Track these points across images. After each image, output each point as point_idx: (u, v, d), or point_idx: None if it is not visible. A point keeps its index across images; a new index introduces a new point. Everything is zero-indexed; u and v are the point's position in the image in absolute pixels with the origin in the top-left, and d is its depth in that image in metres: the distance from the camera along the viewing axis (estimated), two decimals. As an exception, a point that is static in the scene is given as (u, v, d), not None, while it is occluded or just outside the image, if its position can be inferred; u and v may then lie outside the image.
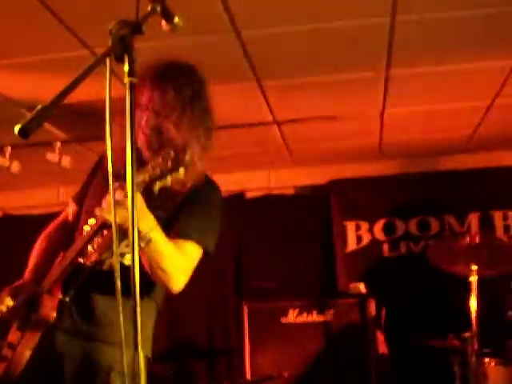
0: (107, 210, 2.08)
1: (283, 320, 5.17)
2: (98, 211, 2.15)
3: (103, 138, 1.54)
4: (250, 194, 6.61)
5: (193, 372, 6.04)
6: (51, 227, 2.77)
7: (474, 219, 6.13)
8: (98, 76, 1.53)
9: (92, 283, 2.30)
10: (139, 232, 2.05)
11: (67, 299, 2.30)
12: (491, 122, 5.34)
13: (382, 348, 5.25)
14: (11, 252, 5.19)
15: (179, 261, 2.26)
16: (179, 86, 2.34)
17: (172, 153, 2.02)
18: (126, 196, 1.94)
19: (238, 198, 6.50)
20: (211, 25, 3.48)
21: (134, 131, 1.56)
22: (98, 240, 2.22)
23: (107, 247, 2.20)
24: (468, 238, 4.44)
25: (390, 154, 6.22)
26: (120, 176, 1.64)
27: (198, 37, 3.56)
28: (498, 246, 4.56)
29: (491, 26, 3.62)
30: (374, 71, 4.26)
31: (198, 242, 2.32)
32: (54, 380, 2.29)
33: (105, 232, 2.20)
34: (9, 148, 5.17)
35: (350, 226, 6.34)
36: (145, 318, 1.65)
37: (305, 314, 5.18)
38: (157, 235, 2.15)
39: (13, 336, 2.39)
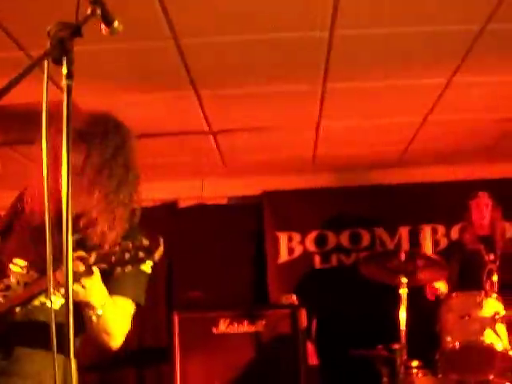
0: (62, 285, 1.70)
1: (214, 330, 5.13)
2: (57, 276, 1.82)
3: (34, 143, 1.46)
4: (182, 203, 6.56)
5: (121, 382, 5.95)
6: None
7: (404, 233, 6.25)
8: (32, 77, 1.47)
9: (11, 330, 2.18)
10: (92, 307, 2.08)
11: None
12: (424, 138, 5.45)
13: (313, 359, 5.28)
14: None
15: (120, 322, 2.28)
16: (97, 147, 2.17)
17: (146, 242, 1.91)
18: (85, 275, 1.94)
19: (171, 206, 6.44)
20: (150, 31, 3.44)
21: (70, 140, 1.47)
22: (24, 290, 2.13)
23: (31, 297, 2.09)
24: (398, 251, 4.51)
25: (323, 167, 6.28)
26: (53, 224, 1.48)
27: (136, 42, 3.51)
28: (427, 259, 4.63)
29: (426, 44, 3.70)
30: (310, 84, 4.30)
31: (133, 300, 2.30)
32: None
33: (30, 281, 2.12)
34: None
35: (282, 238, 6.37)
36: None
37: (235, 324, 5.15)
38: (107, 309, 2.13)
39: None
